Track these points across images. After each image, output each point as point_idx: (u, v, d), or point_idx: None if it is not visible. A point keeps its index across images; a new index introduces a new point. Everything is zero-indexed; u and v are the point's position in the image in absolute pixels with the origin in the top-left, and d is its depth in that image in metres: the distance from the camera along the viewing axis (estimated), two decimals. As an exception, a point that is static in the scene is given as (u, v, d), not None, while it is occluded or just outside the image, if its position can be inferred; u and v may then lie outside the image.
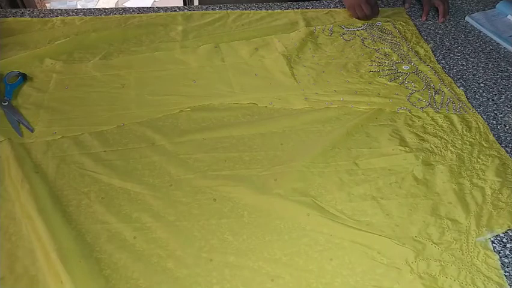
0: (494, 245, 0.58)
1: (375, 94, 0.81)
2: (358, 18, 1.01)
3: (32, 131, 0.70)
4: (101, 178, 0.63)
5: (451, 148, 0.71)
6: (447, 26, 1.02)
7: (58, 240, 0.54)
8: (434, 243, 0.58)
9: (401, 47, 0.93)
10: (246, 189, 0.63)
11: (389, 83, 0.84)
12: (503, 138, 0.74)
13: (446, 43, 0.96)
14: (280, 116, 0.75)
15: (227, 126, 0.73)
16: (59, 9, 0.99)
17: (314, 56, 0.89)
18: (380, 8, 1.05)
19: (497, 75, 0.89)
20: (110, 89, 0.78)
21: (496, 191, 0.65)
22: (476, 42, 0.98)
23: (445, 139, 0.73)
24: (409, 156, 0.69)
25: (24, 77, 0.78)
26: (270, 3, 1.05)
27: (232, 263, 0.55)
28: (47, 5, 1.92)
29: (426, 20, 1.02)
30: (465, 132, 0.74)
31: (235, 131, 0.72)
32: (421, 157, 0.69)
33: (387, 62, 0.89)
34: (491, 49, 0.96)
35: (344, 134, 0.72)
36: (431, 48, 0.94)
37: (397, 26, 1.00)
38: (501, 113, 0.79)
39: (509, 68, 0.90)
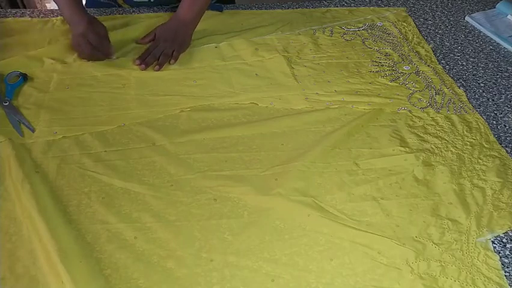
0: (494, 245, 0.58)
1: (376, 94, 0.81)
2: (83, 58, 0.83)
3: (32, 131, 0.70)
4: (101, 178, 0.63)
5: (451, 148, 0.71)
6: (447, 26, 1.02)
7: (59, 240, 0.54)
8: (435, 243, 0.58)
9: (402, 47, 0.93)
10: (246, 189, 0.63)
11: (389, 83, 0.84)
12: (503, 138, 0.74)
13: (446, 43, 0.96)
14: (280, 116, 0.75)
15: (227, 126, 0.73)
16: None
17: (315, 56, 0.89)
18: (380, 8, 1.05)
19: (497, 75, 0.88)
20: (110, 89, 0.78)
21: (496, 192, 0.65)
22: (476, 42, 0.97)
23: (446, 139, 0.73)
24: (409, 157, 0.69)
25: (25, 77, 0.78)
26: (270, 3, 1.05)
27: (232, 263, 0.55)
28: (47, 5, 1.91)
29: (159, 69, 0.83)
30: (465, 132, 0.74)
31: (235, 131, 0.72)
32: (421, 157, 0.69)
33: (388, 62, 0.89)
34: (491, 49, 0.96)
35: (345, 134, 0.72)
36: (431, 48, 0.94)
37: (398, 26, 1.00)
38: (501, 113, 0.79)
39: (509, 68, 0.90)
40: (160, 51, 0.84)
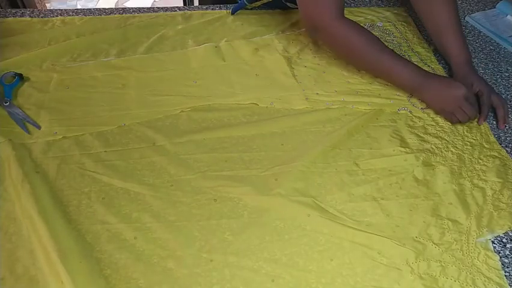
0: (494, 245, 0.58)
1: (376, 95, 0.81)
2: (458, 122, 0.75)
3: (38, 127, 0.70)
4: (101, 178, 0.63)
5: (451, 149, 0.71)
6: (447, 26, 1.02)
7: (58, 240, 0.54)
8: (435, 243, 0.58)
9: (402, 47, 0.93)
10: (246, 189, 0.63)
11: (390, 83, 0.83)
12: (503, 138, 0.74)
13: (447, 43, 0.96)
14: (280, 116, 0.75)
15: (227, 126, 0.73)
16: (59, 9, 0.99)
17: (315, 56, 0.89)
18: (380, 8, 1.05)
19: (497, 75, 0.89)
20: (111, 89, 0.78)
21: (496, 192, 0.65)
22: (476, 42, 0.97)
23: (446, 140, 0.73)
24: (410, 157, 0.69)
25: (20, 77, 0.78)
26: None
27: (232, 263, 0.55)
28: (47, 5, 1.92)
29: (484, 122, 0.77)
30: (466, 132, 0.74)
31: (235, 131, 0.72)
32: (422, 158, 0.69)
33: (387, 62, 0.89)
34: (491, 49, 0.96)
35: (345, 135, 0.72)
36: (432, 49, 0.94)
37: (398, 26, 1.00)
38: (501, 114, 0.79)
39: (509, 68, 0.90)
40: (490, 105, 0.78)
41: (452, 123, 0.76)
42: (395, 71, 0.77)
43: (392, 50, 0.78)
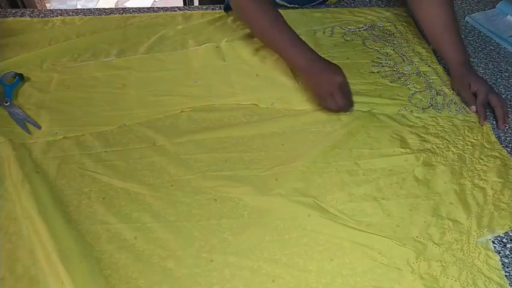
0: (494, 245, 0.58)
1: (377, 95, 0.81)
2: (330, 110, 0.75)
3: (39, 127, 0.70)
4: (101, 178, 0.63)
5: (452, 149, 0.71)
6: (448, 27, 1.02)
7: (58, 240, 0.54)
8: (435, 243, 0.58)
9: (403, 48, 0.93)
10: (247, 189, 0.63)
11: (390, 83, 0.84)
12: (503, 138, 0.74)
13: (447, 43, 0.96)
14: (281, 117, 0.75)
15: (228, 126, 0.73)
16: (59, 9, 0.99)
17: (315, 56, 0.89)
18: (381, 8, 1.05)
19: (497, 75, 0.88)
20: (111, 90, 0.78)
21: (497, 192, 0.65)
22: (476, 42, 0.97)
23: (446, 139, 0.73)
24: (410, 157, 0.69)
25: (21, 77, 0.78)
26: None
27: (233, 263, 0.55)
28: (47, 5, 1.92)
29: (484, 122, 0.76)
30: (466, 132, 0.74)
31: (235, 131, 0.72)
32: (422, 158, 0.69)
33: (388, 62, 0.89)
34: (491, 49, 0.96)
35: (345, 135, 0.72)
36: (432, 48, 0.94)
37: (398, 26, 1.00)
38: (502, 114, 0.79)
39: (509, 68, 0.90)
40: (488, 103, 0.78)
41: (327, 109, 0.76)
42: (287, 50, 0.78)
43: (295, 33, 0.78)
